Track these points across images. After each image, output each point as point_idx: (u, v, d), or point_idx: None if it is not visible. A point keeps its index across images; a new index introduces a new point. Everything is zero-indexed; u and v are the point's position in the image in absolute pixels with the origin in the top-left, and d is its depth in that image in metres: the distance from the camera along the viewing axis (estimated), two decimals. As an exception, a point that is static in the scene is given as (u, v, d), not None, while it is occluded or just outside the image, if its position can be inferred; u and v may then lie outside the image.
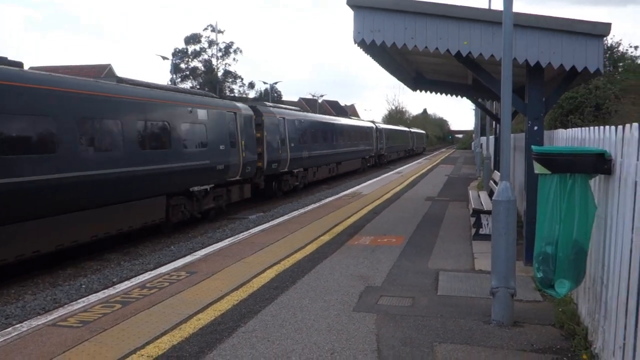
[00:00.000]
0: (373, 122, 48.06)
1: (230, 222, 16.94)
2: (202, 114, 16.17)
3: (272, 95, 62.33)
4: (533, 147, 4.77)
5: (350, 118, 45.97)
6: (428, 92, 14.85)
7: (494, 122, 21.93)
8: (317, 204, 16.17)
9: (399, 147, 58.61)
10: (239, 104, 19.82)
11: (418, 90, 14.84)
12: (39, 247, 10.33)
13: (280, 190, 23.66)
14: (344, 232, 10.91)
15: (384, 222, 12.13)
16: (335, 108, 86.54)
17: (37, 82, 10.50)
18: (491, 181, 14.27)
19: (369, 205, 15.15)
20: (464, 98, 16.74)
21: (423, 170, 31.38)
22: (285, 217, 13.51)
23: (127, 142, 12.64)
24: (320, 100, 71.52)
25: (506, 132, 5.68)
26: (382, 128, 49.02)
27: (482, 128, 35.34)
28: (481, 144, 33.83)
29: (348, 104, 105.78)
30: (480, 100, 17.73)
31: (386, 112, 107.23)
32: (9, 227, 9.64)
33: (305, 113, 30.31)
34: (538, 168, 4.41)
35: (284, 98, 70.74)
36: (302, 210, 14.77)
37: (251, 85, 71.30)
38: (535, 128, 7.54)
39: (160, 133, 14.16)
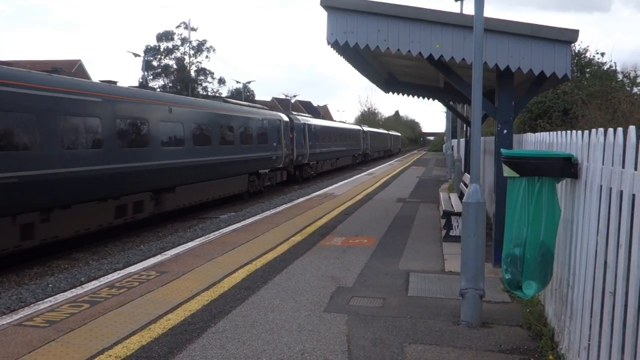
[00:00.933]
0: (360, 125, 57.19)
1: (201, 222, 16.82)
2: (265, 122, 24.83)
3: (244, 94, 61.96)
4: (502, 150, 4.82)
5: (344, 122, 54.77)
6: (400, 94, 14.94)
7: (464, 125, 22.21)
8: (289, 204, 16.15)
9: (380, 147, 67.83)
10: (281, 114, 28.53)
11: (390, 92, 14.92)
12: (197, 199, 17.93)
13: (302, 177, 31.64)
14: (315, 233, 10.92)
15: (355, 223, 12.18)
16: (308, 108, 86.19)
17: (210, 107, 19.74)
18: (462, 183, 14.42)
19: (341, 206, 15.20)
20: (436, 101, 16.87)
21: (394, 172, 31.58)
22: (257, 217, 13.46)
23: (237, 139, 21.08)
24: (293, 101, 71.21)
25: (476, 135, 5.76)
26: (367, 131, 57.04)
27: (453, 131, 35.68)
28: (452, 147, 34.23)
29: (321, 104, 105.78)
30: (451, 103, 17.90)
31: (359, 114, 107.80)
32: (193, 185, 17.51)
33: (317, 119, 40.40)
34: (507, 171, 4.47)
35: (257, 97, 70.34)
36: (273, 211, 14.73)
37: (221, 81, 70.92)
38: (505, 131, 7.65)
39: (248, 134, 22.50)
